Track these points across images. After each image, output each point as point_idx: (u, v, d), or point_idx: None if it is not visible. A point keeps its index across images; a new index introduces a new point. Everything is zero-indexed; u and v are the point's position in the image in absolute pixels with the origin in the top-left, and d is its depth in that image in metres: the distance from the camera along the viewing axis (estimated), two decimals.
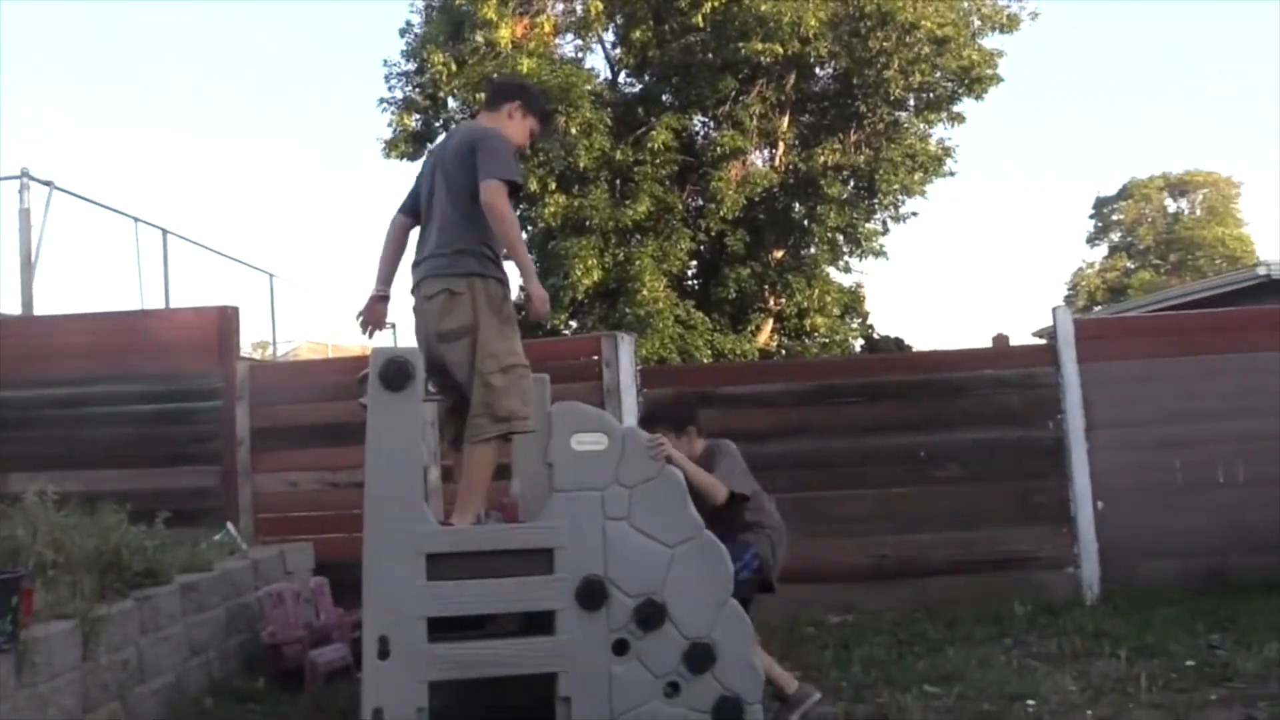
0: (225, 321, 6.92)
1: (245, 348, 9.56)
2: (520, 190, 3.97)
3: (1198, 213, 38.91)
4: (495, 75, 13.57)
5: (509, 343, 3.82)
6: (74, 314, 7.36)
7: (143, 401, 6.84)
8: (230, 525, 6.41)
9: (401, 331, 9.22)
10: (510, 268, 4.08)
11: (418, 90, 15.87)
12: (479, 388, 3.72)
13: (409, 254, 4.11)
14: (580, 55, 16.31)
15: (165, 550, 4.89)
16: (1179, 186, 39.30)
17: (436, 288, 3.82)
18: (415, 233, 4.13)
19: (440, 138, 4.82)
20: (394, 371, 3.54)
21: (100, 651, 3.98)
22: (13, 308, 8.58)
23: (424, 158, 4.45)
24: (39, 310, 8.61)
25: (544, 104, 4.33)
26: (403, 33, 16.33)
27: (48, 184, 8.86)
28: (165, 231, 10.39)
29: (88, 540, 4.42)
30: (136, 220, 10.11)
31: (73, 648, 3.83)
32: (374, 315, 4.12)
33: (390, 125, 15.91)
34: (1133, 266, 38.25)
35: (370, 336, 4.21)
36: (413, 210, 4.13)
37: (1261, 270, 11.48)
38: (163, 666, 4.50)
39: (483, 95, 14.80)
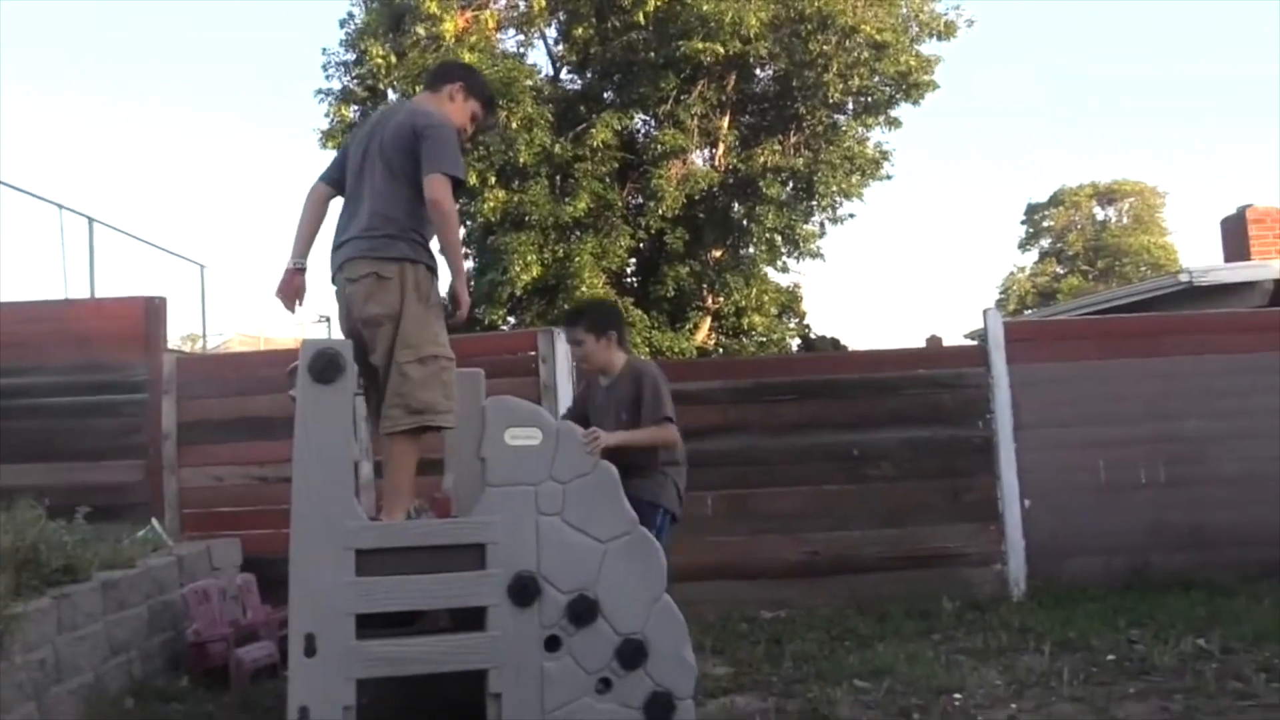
0: (152, 312, 6.75)
1: (175, 340, 9.35)
2: (464, 186, 3.86)
3: (1125, 221, 39.99)
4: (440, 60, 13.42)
5: (430, 332, 3.68)
6: None
7: (65, 393, 6.64)
8: (155, 521, 6.26)
9: (335, 324, 9.07)
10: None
11: (356, 81, 15.65)
12: (395, 377, 3.60)
13: (327, 228, 3.92)
14: (522, 51, 16.30)
15: (85, 546, 4.75)
16: (1107, 195, 40.34)
17: (364, 270, 3.65)
18: (335, 205, 3.93)
19: (377, 112, 4.63)
20: (324, 364, 3.48)
21: (15, 650, 3.85)
22: None
23: (355, 128, 4.25)
24: None
25: (487, 89, 4.18)
26: (343, 23, 16.10)
27: None
28: (91, 220, 10.11)
29: (3, 536, 4.28)
30: (61, 207, 9.82)
31: None
32: (291, 288, 3.86)
33: (328, 116, 15.70)
34: (1062, 272, 39.16)
35: (292, 311, 4.00)
36: (336, 181, 3.93)
37: (1184, 277, 11.76)
38: (81, 666, 4.37)
39: (420, 89, 14.64)
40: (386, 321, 3.63)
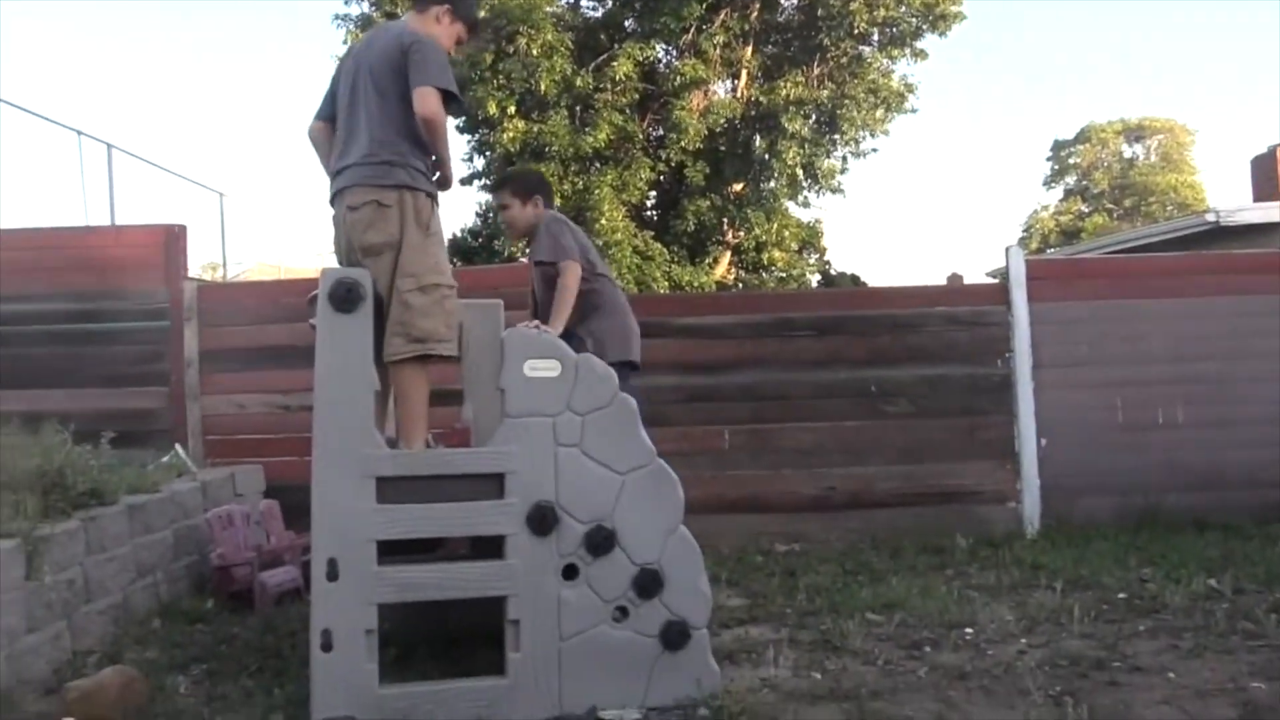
0: (172, 240, 6.76)
1: (195, 269, 9.38)
2: (456, 100, 3.78)
3: (1152, 159, 39.31)
4: None
5: (431, 260, 3.67)
6: (14, 229, 7.13)
7: (87, 320, 6.68)
8: (178, 447, 6.35)
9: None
10: None
11: (373, 6, 15.44)
12: (396, 306, 3.60)
13: None
14: None
15: (111, 471, 4.83)
16: (1135, 132, 39.61)
17: (363, 198, 3.63)
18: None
19: (363, 37, 4.56)
20: (343, 293, 3.48)
21: (45, 571, 3.94)
22: None
23: (342, 58, 4.14)
24: None
25: (474, 10, 4.10)
26: None
27: None
28: (110, 146, 10.05)
29: (30, 459, 4.35)
30: (80, 134, 9.77)
31: (16, 567, 3.78)
32: None
33: (345, 42, 15.51)
34: (1087, 210, 38.64)
35: None
36: (331, 116, 3.90)
37: (1210, 216, 11.64)
38: (109, 587, 4.48)
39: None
40: (386, 250, 3.62)
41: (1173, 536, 6.16)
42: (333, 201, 3.79)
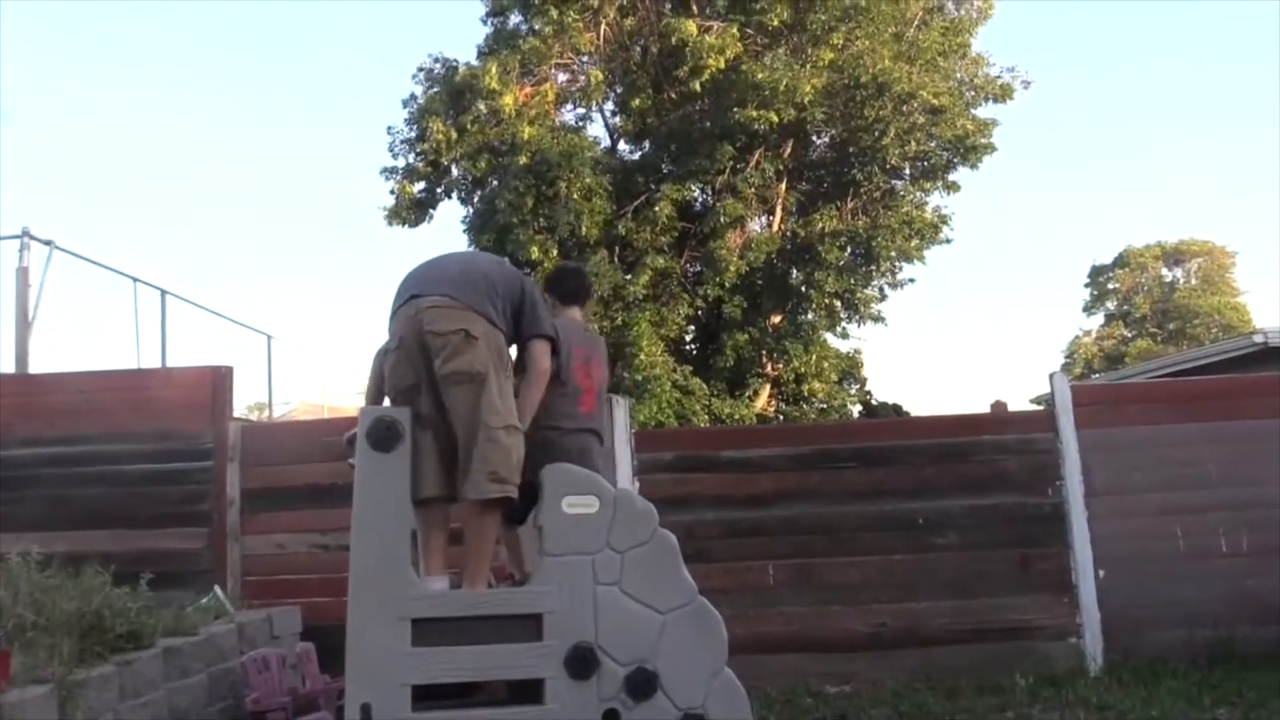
0: (219, 381, 6.88)
1: (241, 409, 9.51)
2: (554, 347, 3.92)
3: (1193, 282, 39.21)
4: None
5: (511, 402, 3.64)
6: (67, 372, 7.31)
7: (134, 461, 6.76)
8: (217, 588, 6.30)
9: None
10: None
11: (420, 158, 16.03)
12: (483, 442, 3.50)
13: None
14: (581, 124, 16.54)
15: (149, 613, 4.80)
16: (1174, 255, 39.65)
17: (453, 325, 3.57)
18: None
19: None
20: (382, 431, 3.49)
21: (77, 717, 3.87)
22: (8, 366, 8.54)
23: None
24: (34, 368, 8.57)
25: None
26: (405, 104, 16.53)
27: (48, 243, 8.87)
28: (164, 292, 10.38)
29: (69, 602, 4.34)
30: (135, 280, 10.10)
31: (49, 713, 3.72)
32: None
33: (393, 193, 16.09)
34: (1130, 335, 38.40)
35: None
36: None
37: (1259, 338, 11.49)
38: None
39: (482, 164, 14.77)
40: (471, 380, 3.55)
41: (1247, 673, 5.84)
42: (412, 319, 3.66)
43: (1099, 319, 40.93)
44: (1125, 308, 39.80)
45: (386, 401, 3.81)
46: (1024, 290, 63.20)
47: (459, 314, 3.60)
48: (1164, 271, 40.12)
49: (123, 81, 59.68)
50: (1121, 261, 40.01)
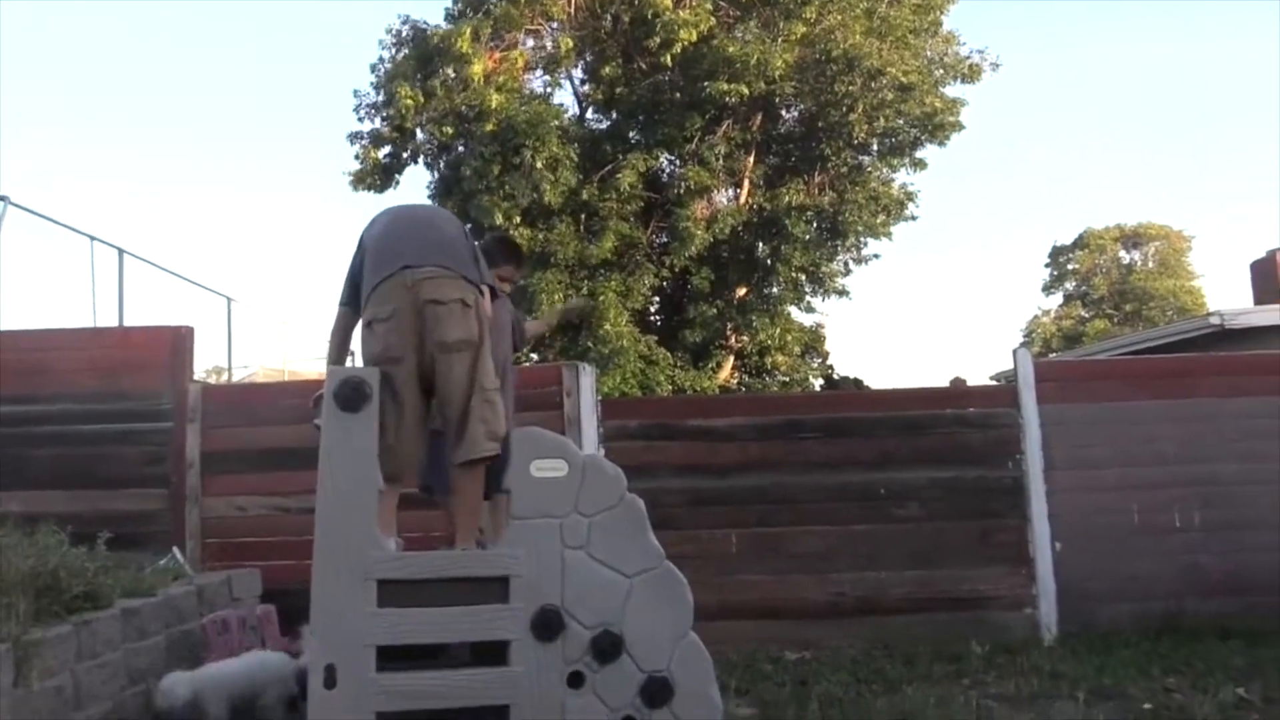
0: (179, 341, 6.77)
1: (200, 372, 9.37)
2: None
3: (1150, 264, 39.76)
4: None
5: (491, 364, 3.86)
6: (22, 330, 7.15)
7: (90, 421, 6.64)
8: (176, 550, 6.24)
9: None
10: None
11: (385, 123, 15.83)
12: (480, 404, 3.69)
13: None
14: (549, 91, 16.41)
15: (106, 573, 4.72)
16: (1133, 238, 40.17)
17: (452, 294, 3.70)
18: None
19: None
20: (349, 391, 3.46)
21: (33, 677, 3.81)
22: None
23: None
24: None
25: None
26: (373, 68, 16.29)
27: (2, 199, 8.66)
28: (122, 251, 10.20)
29: (24, 561, 4.26)
30: (92, 239, 9.91)
31: (4, 672, 3.66)
32: None
33: (358, 158, 15.90)
34: (1088, 315, 38.93)
35: None
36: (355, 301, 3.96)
37: (1215, 320, 11.67)
38: (100, 694, 4.32)
39: (448, 130, 14.68)
40: (467, 348, 3.72)
41: (1196, 644, 5.97)
42: (410, 288, 3.69)
43: (1058, 299, 41.47)
44: (1084, 288, 40.31)
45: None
46: (985, 269, 63.95)
47: (455, 284, 3.75)
48: (1122, 254, 40.66)
49: (85, 30, 58.19)
50: (1081, 243, 40.50)
